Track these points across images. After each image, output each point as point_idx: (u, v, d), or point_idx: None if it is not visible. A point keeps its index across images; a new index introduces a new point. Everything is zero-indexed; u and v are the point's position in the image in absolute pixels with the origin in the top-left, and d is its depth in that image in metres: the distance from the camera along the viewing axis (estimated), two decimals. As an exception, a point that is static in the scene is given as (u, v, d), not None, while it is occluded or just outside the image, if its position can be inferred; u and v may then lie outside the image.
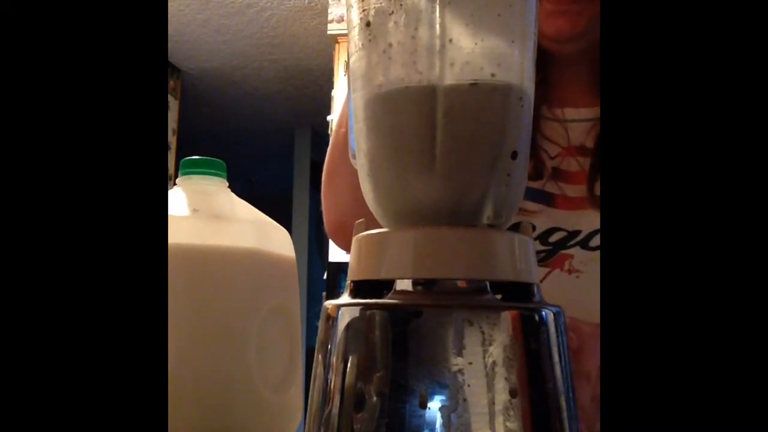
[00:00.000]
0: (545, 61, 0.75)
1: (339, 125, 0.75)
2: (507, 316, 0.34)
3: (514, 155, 0.37)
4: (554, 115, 0.76)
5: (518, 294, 0.37)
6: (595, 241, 0.70)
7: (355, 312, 0.36)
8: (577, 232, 0.70)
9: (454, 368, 0.33)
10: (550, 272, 0.71)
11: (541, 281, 0.70)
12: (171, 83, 3.79)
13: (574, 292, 0.69)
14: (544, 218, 0.72)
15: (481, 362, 0.33)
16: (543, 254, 0.72)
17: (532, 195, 0.73)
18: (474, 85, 0.36)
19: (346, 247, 0.87)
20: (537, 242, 0.72)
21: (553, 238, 0.72)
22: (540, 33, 0.73)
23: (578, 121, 0.74)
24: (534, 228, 0.72)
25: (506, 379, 0.33)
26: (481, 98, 0.36)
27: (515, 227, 0.39)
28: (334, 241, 0.84)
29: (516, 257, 0.37)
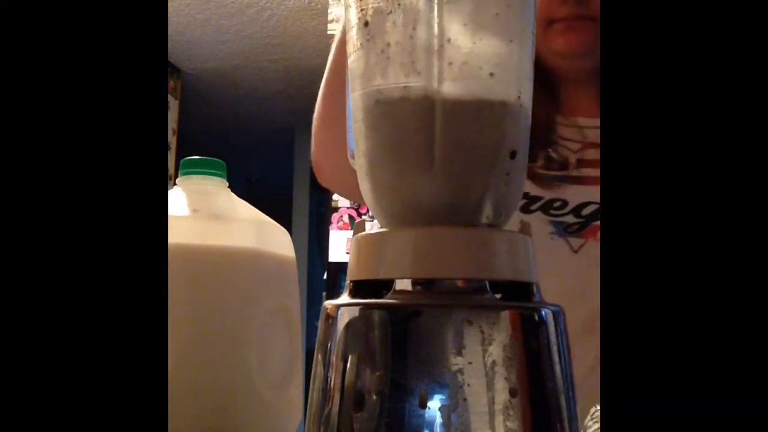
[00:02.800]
0: (555, 80, 0.80)
1: (338, 49, 0.79)
2: (507, 316, 0.35)
3: (513, 154, 0.37)
4: (569, 121, 0.81)
5: (518, 293, 0.37)
6: None
7: (355, 312, 0.36)
8: None
9: (454, 368, 0.33)
10: (584, 243, 0.78)
11: (577, 251, 0.78)
12: (171, 83, 3.79)
13: None
14: (575, 193, 0.78)
15: (481, 362, 0.33)
16: (577, 226, 0.78)
17: (561, 179, 0.79)
18: (472, 84, 0.36)
19: (332, 186, 0.93)
20: (570, 215, 0.78)
21: (586, 212, 0.77)
22: (550, 51, 0.79)
23: (592, 128, 0.79)
24: (566, 203, 0.79)
25: (506, 378, 0.33)
26: (479, 98, 0.36)
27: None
28: (324, 178, 0.89)
29: (515, 256, 0.37)
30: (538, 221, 0.79)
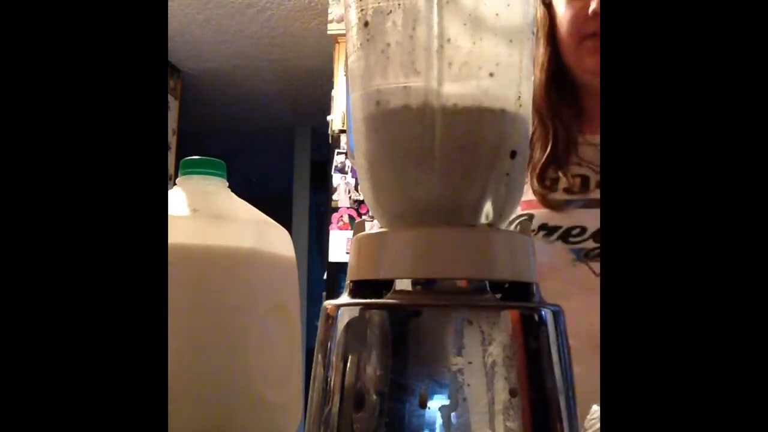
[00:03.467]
0: (583, 93, 0.85)
1: None
2: (506, 316, 0.35)
3: (513, 154, 0.37)
4: (586, 140, 0.84)
5: (518, 293, 0.37)
6: None
7: (355, 312, 0.36)
8: None
9: (454, 368, 0.33)
10: None
11: (599, 275, 0.78)
12: (171, 83, 3.79)
13: None
14: (593, 218, 0.80)
15: (481, 362, 0.33)
16: (597, 251, 0.80)
17: (583, 204, 0.81)
18: (472, 84, 0.36)
19: None
20: (590, 240, 0.80)
21: None
22: (583, 68, 0.81)
23: None
24: (585, 229, 0.80)
25: (506, 378, 0.33)
26: (479, 98, 0.36)
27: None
28: None
29: (515, 257, 0.37)
30: (559, 250, 0.81)
